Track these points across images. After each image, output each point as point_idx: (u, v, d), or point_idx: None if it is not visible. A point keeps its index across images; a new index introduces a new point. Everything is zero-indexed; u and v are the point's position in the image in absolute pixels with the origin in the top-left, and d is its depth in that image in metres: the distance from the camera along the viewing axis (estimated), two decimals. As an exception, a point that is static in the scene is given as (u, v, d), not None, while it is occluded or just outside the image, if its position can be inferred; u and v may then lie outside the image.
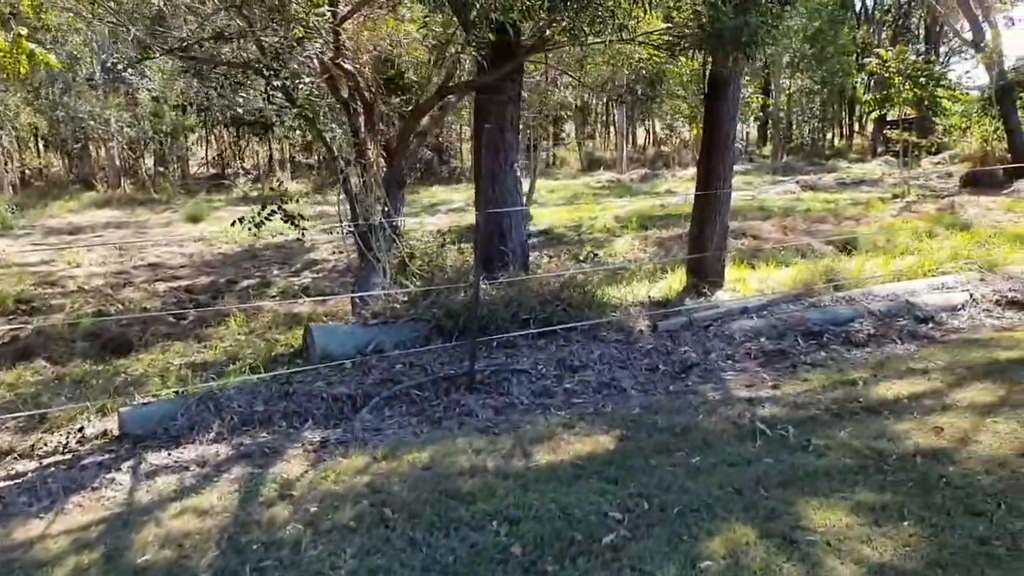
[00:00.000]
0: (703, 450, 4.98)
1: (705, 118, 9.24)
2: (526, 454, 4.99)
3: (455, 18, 7.10)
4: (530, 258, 9.24)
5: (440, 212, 23.24)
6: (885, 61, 21.79)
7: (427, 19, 7.43)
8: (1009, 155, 23.30)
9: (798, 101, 39.98)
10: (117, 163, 29.55)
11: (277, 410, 5.68)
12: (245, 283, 13.17)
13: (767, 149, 43.84)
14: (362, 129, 8.01)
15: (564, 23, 6.78)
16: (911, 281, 8.62)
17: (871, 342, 7.26)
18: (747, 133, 46.12)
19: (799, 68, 37.14)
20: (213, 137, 38.87)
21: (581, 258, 13.71)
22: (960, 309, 8.05)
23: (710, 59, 8.79)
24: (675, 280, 9.56)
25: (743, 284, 9.67)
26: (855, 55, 37.43)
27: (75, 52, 22.66)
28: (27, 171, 31.50)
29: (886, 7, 45.15)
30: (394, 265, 7.95)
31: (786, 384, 6.35)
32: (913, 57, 21.35)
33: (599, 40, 7.58)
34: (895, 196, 21.52)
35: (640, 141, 47.33)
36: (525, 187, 14.83)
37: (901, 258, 9.89)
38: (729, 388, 6.27)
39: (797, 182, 25.72)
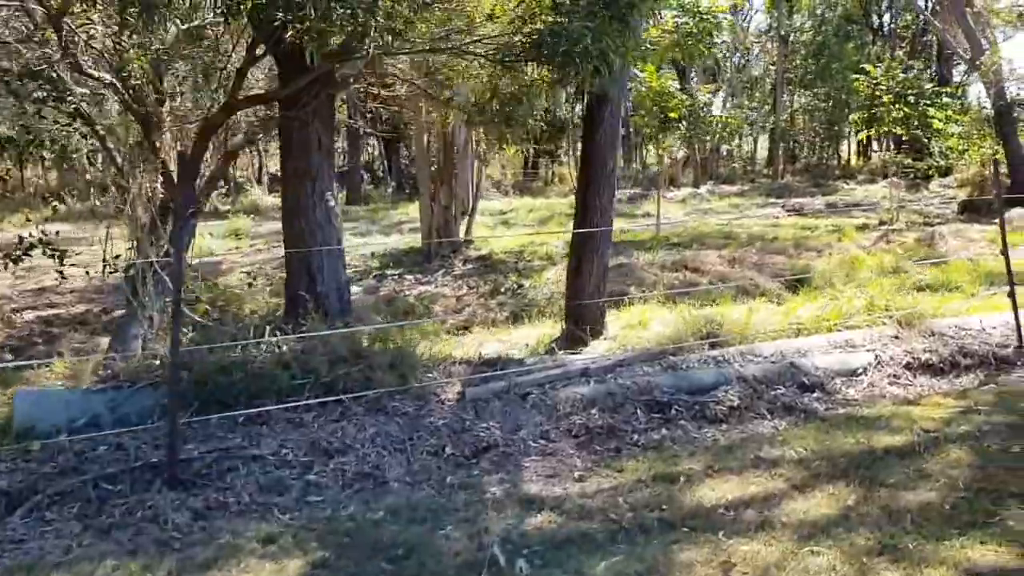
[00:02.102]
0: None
1: (582, 144, 8.04)
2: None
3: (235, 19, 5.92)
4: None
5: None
6: (874, 78, 20.42)
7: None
8: (1009, 180, 21.77)
9: (802, 119, 38.42)
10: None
11: None
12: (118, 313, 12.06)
13: (782, 169, 42.37)
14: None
15: (357, 27, 5.57)
16: (810, 337, 7.32)
17: (731, 417, 5.99)
18: (752, 152, 44.72)
19: (803, 84, 35.71)
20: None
21: (503, 290, 12.49)
22: (860, 374, 6.75)
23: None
24: (554, 326, 8.33)
25: (640, 330, 8.43)
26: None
27: None
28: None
29: (904, 23, 43.50)
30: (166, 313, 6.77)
31: (596, 475, 5.11)
32: (903, 74, 19.91)
33: (414, 51, 6.41)
34: (882, 223, 20.10)
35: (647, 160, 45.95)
36: (406, 214, 13.68)
37: (817, 304, 8.54)
38: (521, 480, 5.04)
39: (784, 205, 24.34)
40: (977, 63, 20.41)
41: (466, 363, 6.60)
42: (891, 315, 7.57)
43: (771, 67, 38.88)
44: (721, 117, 39.68)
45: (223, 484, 4.83)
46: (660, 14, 12.02)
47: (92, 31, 6.65)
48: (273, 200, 31.85)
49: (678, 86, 16.45)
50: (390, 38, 5.72)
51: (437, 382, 6.01)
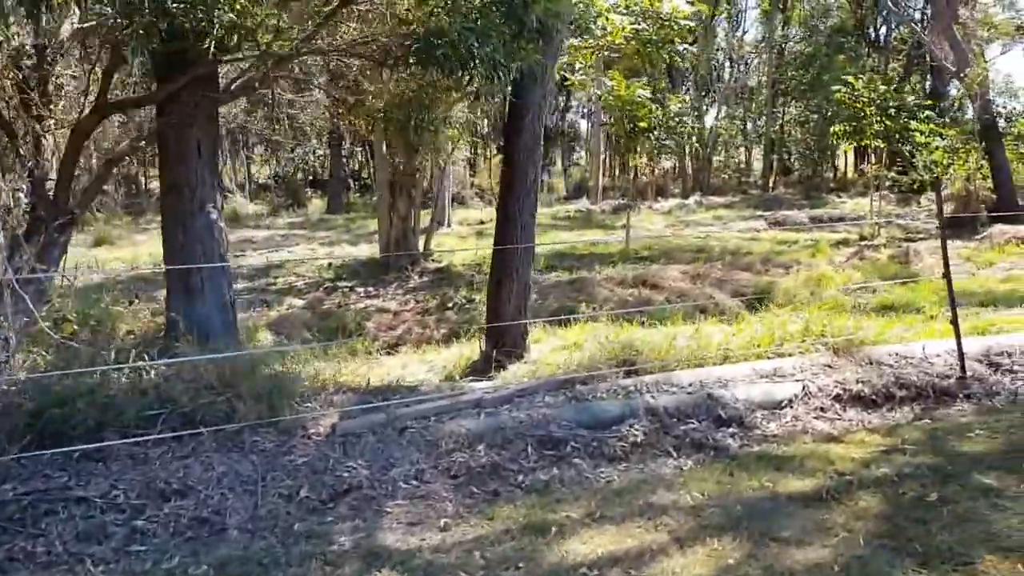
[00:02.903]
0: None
1: (503, 155, 7.55)
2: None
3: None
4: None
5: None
6: (855, 90, 19.93)
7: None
8: (994, 195, 21.28)
9: (795, 130, 37.91)
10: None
11: None
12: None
13: (771, 180, 41.87)
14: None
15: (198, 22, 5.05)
16: (736, 364, 6.81)
17: (633, 455, 5.49)
18: (746, 163, 44.27)
19: (794, 95, 35.23)
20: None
21: (450, 305, 12.00)
22: (784, 406, 6.24)
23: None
24: (474, 348, 7.84)
25: (573, 352, 7.92)
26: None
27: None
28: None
29: (900, 36, 42.91)
30: (27, 334, 6.26)
31: (464, 523, 4.62)
32: (883, 87, 19.41)
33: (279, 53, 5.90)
34: (862, 238, 19.61)
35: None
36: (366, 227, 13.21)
37: (749, 328, 8.02)
38: (377, 529, 4.54)
39: (767, 218, 23.85)
40: (961, 75, 19.89)
41: (353, 391, 6.10)
42: (826, 342, 7.05)
43: (764, 78, 38.42)
44: (708, 128, 39.43)
45: (36, 531, 4.33)
46: (595, 21, 11.52)
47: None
48: (255, 208, 31.44)
49: (648, 95, 15.83)
50: (236, 37, 5.21)
51: (310, 414, 5.51)
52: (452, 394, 5.97)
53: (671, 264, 14.75)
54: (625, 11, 12.34)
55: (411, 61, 5.84)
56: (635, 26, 11.99)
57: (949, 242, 17.48)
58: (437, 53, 5.50)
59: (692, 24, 12.76)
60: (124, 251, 18.24)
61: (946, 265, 7.05)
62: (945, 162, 21.45)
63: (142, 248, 18.68)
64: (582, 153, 44.47)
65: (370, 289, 13.39)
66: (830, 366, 6.75)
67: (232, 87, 6.96)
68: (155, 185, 36.34)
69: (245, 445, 5.15)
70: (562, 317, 9.71)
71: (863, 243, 18.40)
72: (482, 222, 25.91)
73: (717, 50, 44.98)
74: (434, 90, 6.88)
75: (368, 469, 5.04)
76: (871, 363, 6.85)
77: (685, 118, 16.38)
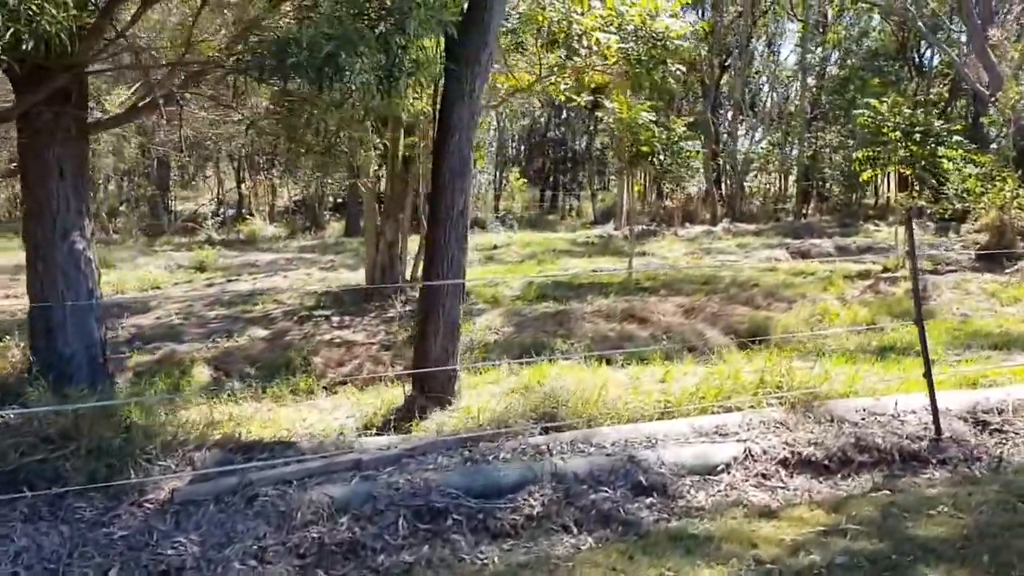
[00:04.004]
0: None
1: (432, 178, 6.87)
2: None
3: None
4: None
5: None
6: (879, 114, 18.94)
7: None
8: (1031, 225, 20.03)
9: (828, 155, 36.72)
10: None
11: None
12: None
13: (809, 207, 40.59)
14: None
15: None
16: (673, 420, 5.99)
17: (525, 530, 4.73)
18: (781, 189, 43.07)
19: (829, 120, 34.13)
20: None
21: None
22: (720, 472, 5.43)
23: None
24: (399, 392, 7.13)
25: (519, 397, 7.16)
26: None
27: None
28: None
29: (946, 59, 41.48)
30: None
31: (290, 618, 3.89)
32: (908, 110, 18.41)
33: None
34: (885, 269, 18.55)
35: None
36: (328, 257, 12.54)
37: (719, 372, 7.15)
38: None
39: (788, 248, 22.81)
40: (993, 99, 18.80)
41: (221, 446, 5.41)
42: (782, 396, 6.21)
43: (799, 102, 37.38)
44: (742, 152, 38.44)
45: None
46: (579, 40, 10.83)
47: None
48: (274, 230, 31.18)
49: (652, 118, 15.06)
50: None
51: (154, 476, 4.82)
52: (333, 453, 5.25)
53: (672, 296, 13.91)
54: (616, 30, 11.62)
55: (261, 72, 5.19)
56: (622, 46, 11.26)
57: (980, 275, 16.52)
58: (289, 62, 4.85)
59: (687, 44, 11.94)
60: (120, 274, 17.83)
61: (918, 308, 6.18)
62: (978, 190, 20.33)
63: (138, 272, 18.29)
64: (613, 177, 43.73)
65: (346, 319, 12.75)
66: (783, 423, 5.91)
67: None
68: (178, 206, 36.43)
69: (61, 512, 4.48)
70: (523, 360, 8.93)
71: (884, 275, 17.35)
72: (495, 247, 25.24)
73: (756, 73, 44.04)
74: (312, 105, 6.22)
75: (200, 546, 4.34)
76: (831, 420, 6.00)
77: (690, 143, 15.53)
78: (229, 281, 16.63)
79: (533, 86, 12.82)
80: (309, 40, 4.74)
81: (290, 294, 14.32)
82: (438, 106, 6.65)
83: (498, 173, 40.11)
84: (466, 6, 6.59)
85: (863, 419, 6.10)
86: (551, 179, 42.48)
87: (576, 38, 11.20)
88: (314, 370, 9.47)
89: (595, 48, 11.44)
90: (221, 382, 8.97)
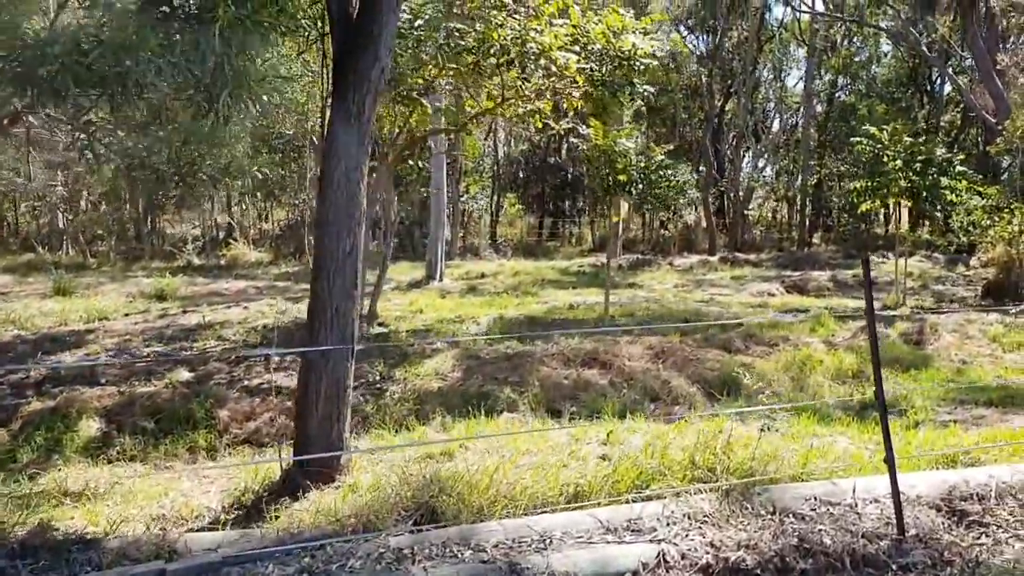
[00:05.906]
0: None
1: (316, 215, 5.91)
2: None
3: None
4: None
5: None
6: (878, 142, 17.94)
7: None
8: (1040, 261, 18.94)
9: (834, 184, 35.72)
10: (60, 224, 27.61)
11: None
12: None
13: (817, 237, 39.53)
14: None
15: None
16: (578, 511, 4.96)
17: (353, 670, 3.71)
18: (785, 217, 42.03)
19: (833, 147, 33.14)
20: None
21: (355, 385, 10.32)
22: (625, 581, 4.39)
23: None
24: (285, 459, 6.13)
25: (441, 462, 6.15)
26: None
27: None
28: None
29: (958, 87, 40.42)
30: None
31: None
32: (909, 139, 17.40)
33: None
34: (885, 307, 17.47)
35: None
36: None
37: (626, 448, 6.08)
38: None
39: (784, 280, 21.77)
40: (1000, 127, 17.75)
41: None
42: (715, 480, 5.19)
43: (803, 129, 36.45)
44: (743, 180, 37.45)
45: None
46: (535, 60, 9.93)
47: None
48: (256, 256, 30.40)
49: (630, 144, 14.10)
50: None
51: None
52: (133, 560, 4.24)
53: (645, 335, 12.85)
54: (580, 50, 10.70)
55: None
56: (581, 66, 10.32)
57: (985, 315, 15.34)
58: (40, 72, 3.93)
59: (654, 63, 11.00)
60: (75, 303, 16.95)
61: (879, 383, 5.09)
62: (985, 223, 19.30)
63: (95, 300, 17.42)
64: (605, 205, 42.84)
65: (287, 359, 11.77)
66: (710, 517, 4.87)
67: None
68: (168, 229, 35.71)
69: None
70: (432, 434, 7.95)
71: (881, 313, 16.26)
72: (482, 275, 24.31)
73: (762, 100, 43.12)
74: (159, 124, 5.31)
75: None
76: (773, 512, 4.97)
77: (674, 170, 14.57)
78: (184, 312, 15.69)
79: (494, 110, 11.92)
80: (111, 47, 3.82)
81: (237, 329, 13.36)
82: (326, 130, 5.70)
83: (495, 198, 39.23)
84: (355, 13, 5.68)
85: (813, 511, 5.06)
86: (550, 205, 41.56)
87: (532, 57, 10.27)
88: (217, 424, 8.51)
89: (553, 69, 10.52)
90: (110, 437, 8.04)
